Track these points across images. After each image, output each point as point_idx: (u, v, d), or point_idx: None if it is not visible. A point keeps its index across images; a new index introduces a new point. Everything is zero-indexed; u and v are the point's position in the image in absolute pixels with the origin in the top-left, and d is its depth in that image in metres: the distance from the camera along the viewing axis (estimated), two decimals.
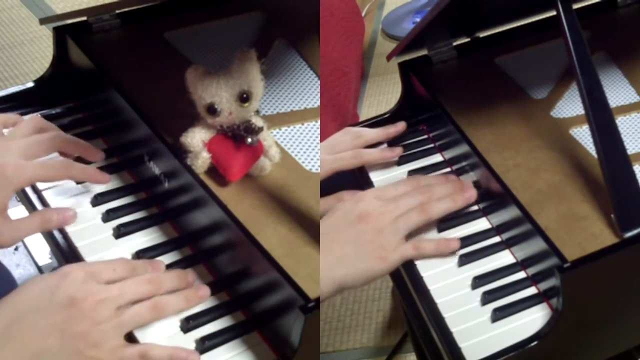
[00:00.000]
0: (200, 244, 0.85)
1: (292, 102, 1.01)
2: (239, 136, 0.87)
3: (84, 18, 1.05)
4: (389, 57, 1.06)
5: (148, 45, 1.06)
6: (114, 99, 0.95)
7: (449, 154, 0.99)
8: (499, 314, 0.80)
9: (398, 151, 1.00)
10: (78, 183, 0.91)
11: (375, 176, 1.00)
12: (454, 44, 1.07)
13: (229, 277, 0.82)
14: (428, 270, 0.86)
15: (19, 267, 1.67)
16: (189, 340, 0.77)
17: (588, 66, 0.87)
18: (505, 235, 0.89)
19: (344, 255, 0.84)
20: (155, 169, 0.90)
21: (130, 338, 0.76)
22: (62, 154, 0.91)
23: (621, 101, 1.01)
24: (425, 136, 1.04)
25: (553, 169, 0.91)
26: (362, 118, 1.23)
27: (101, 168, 0.93)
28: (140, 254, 0.84)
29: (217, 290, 0.81)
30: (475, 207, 0.92)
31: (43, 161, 0.86)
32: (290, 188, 0.88)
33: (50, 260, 1.63)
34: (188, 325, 0.78)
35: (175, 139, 0.89)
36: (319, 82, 1.05)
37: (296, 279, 0.75)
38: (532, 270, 0.84)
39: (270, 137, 0.90)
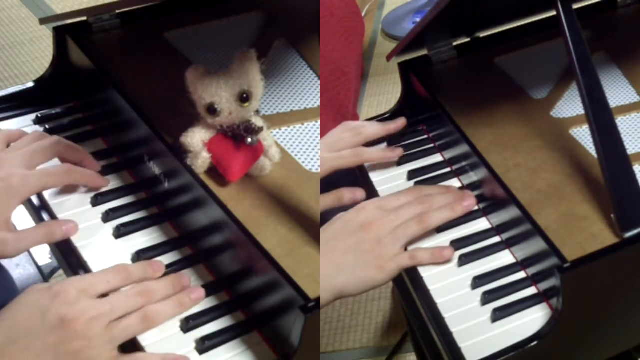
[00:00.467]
0: (200, 244, 0.85)
1: (292, 102, 1.01)
2: (239, 136, 0.87)
3: (84, 18, 1.05)
4: (389, 57, 1.06)
5: (148, 45, 1.06)
6: (114, 99, 0.95)
7: (449, 154, 0.99)
8: (499, 314, 0.80)
9: (399, 152, 1.00)
10: None
11: (375, 176, 1.00)
12: (454, 44, 1.07)
13: (229, 277, 0.82)
14: (428, 271, 0.87)
15: (18, 267, 1.67)
16: (189, 340, 0.77)
17: (588, 66, 0.87)
18: (505, 235, 0.89)
19: (344, 264, 0.85)
20: (155, 169, 0.90)
21: (131, 339, 0.76)
22: (61, 160, 0.92)
23: (621, 101, 1.01)
24: (425, 136, 1.04)
25: (553, 169, 0.91)
26: (362, 118, 1.23)
27: (101, 168, 0.94)
28: (140, 254, 0.84)
29: (217, 290, 0.81)
30: (475, 207, 0.92)
31: (45, 168, 0.88)
32: (290, 188, 0.88)
33: (50, 260, 1.63)
34: (188, 325, 0.78)
35: (175, 139, 0.89)
36: (319, 82, 1.05)
37: (296, 279, 0.75)
38: (532, 270, 0.84)
39: (270, 137, 0.90)
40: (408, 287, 0.87)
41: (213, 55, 1.05)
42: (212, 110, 0.86)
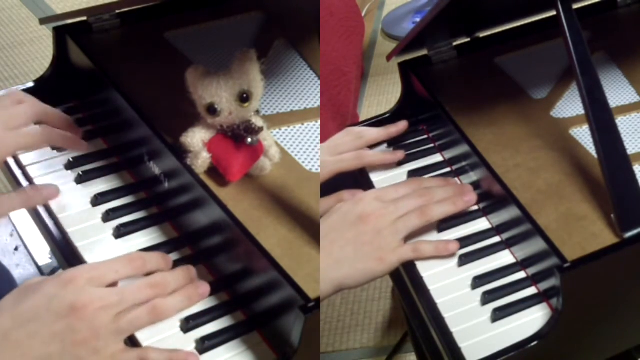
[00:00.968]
0: (200, 244, 0.85)
1: (292, 102, 1.01)
2: (239, 136, 0.87)
3: (84, 18, 1.05)
4: (389, 57, 1.06)
5: (148, 45, 1.06)
6: (114, 99, 0.95)
7: (449, 154, 0.99)
8: (499, 314, 0.80)
9: (400, 155, 1.00)
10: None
11: (375, 176, 0.99)
12: (454, 44, 1.07)
13: (229, 277, 0.82)
14: (428, 270, 0.87)
15: (19, 267, 1.67)
16: (189, 340, 0.77)
17: (588, 66, 0.87)
18: (505, 235, 0.89)
19: (344, 256, 0.84)
20: (155, 169, 0.90)
21: (131, 339, 0.76)
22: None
23: (621, 101, 1.01)
24: (425, 136, 1.04)
25: (553, 169, 0.91)
26: (362, 118, 1.23)
27: (101, 168, 0.94)
28: None
29: (217, 290, 0.81)
30: (475, 207, 0.92)
31: (23, 129, 0.88)
32: (290, 188, 0.88)
33: (50, 260, 1.63)
34: (188, 325, 0.78)
35: (175, 139, 0.89)
36: (319, 82, 1.05)
37: (296, 279, 0.75)
38: (532, 270, 0.84)
39: (270, 137, 0.90)
40: (408, 287, 0.87)
41: (213, 55, 1.05)
42: (212, 110, 0.86)
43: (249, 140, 0.87)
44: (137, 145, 0.93)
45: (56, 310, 0.71)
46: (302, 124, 0.98)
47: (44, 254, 1.64)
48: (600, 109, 0.86)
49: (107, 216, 0.88)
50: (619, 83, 1.03)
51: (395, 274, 0.88)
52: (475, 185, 0.93)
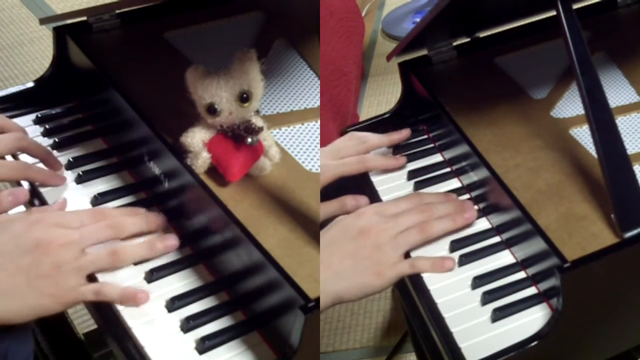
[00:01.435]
0: (200, 244, 0.85)
1: (292, 102, 1.01)
2: (239, 136, 0.87)
3: (84, 18, 1.05)
4: (389, 57, 1.06)
5: (148, 45, 1.06)
6: (114, 99, 0.95)
7: (449, 154, 0.99)
8: (499, 314, 0.80)
9: (402, 160, 1.00)
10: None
11: (375, 176, 0.99)
12: (454, 44, 1.07)
13: (229, 277, 0.82)
14: None
15: None
16: (189, 340, 0.77)
17: (588, 66, 0.87)
18: (505, 235, 0.89)
19: (343, 270, 0.85)
20: (155, 169, 0.90)
21: (130, 337, 0.76)
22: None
23: (621, 101, 1.01)
24: (425, 136, 1.04)
25: (553, 169, 0.91)
26: (362, 118, 1.23)
27: (101, 168, 0.94)
28: None
29: (217, 290, 0.81)
30: (476, 207, 0.92)
31: (1, 161, 0.90)
32: (290, 188, 0.88)
33: None
34: (188, 325, 0.78)
35: (175, 139, 0.89)
36: (319, 82, 1.05)
37: (296, 279, 0.75)
38: (532, 270, 0.84)
39: (270, 137, 0.90)
40: (408, 287, 0.87)
41: (213, 55, 1.05)
42: (212, 110, 0.86)
43: (249, 140, 0.87)
44: (137, 145, 0.93)
45: (23, 247, 0.78)
46: (302, 124, 0.98)
47: None
48: (600, 109, 0.86)
49: None
50: (619, 83, 1.03)
51: None
52: (475, 185, 0.93)
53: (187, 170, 0.86)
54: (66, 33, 1.03)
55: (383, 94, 2.29)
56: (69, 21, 1.05)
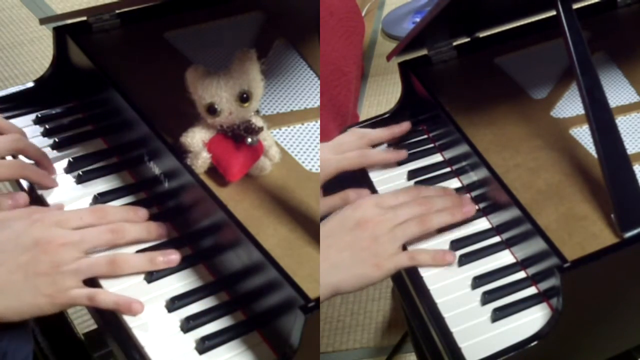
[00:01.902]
0: (200, 244, 0.85)
1: (292, 102, 1.01)
2: (239, 136, 0.87)
3: (84, 18, 1.05)
4: (389, 57, 1.06)
5: (148, 45, 1.06)
6: (114, 99, 0.95)
7: (449, 154, 0.99)
8: (499, 314, 0.80)
9: (403, 154, 1.00)
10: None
11: (374, 176, 0.99)
12: (454, 44, 1.07)
13: (229, 277, 0.82)
14: (428, 270, 0.86)
15: None
16: (189, 340, 0.77)
17: (588, 66, 0.87)
18: (505, 235, 0.89)
19: (341, 261, 0.85)
20: (155, 169, 0.90)
21: (130, 337, 0.77)
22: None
23: (621, 101, 1.01)
24: (425, 136, 1.04)
25: (553, 169, 0.91)
26: (362, 118, 1.23)
27: (101, 168, 0.94)
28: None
29: (217, 290, 0.81)
30: (476, 207, 0.92)
31: None
32: (290, 188, 0.88)
33: None
34: (188, 325, 0.78)
35: (175, 139, 0.89)
36: (319, 82, 1.05)
37: (296, 279, 0.75)
38: (532, 270, 0.84)
39: (270, 137, 0.90)
40: (408, 287, 0.87)
41: (213, 55, 1.05)
42: (212, 110, 0.86)
43: (249, 140, 0.87)
44: (137, 145, 0.93)
45: (22, 244, 0.78)
46: (302, 124, 0.98)
47: None
48: (600, 109, 0.86)
49: None
50: (619, 83, 1.03)
51: (395, 274, 0.88)
52: (475, 185, 0.93)
53: (187, 170, 0.86)
54: (66, 33, 1.03)
55: (383, 94, 2.29)
56: (69, 21, 1.05)
